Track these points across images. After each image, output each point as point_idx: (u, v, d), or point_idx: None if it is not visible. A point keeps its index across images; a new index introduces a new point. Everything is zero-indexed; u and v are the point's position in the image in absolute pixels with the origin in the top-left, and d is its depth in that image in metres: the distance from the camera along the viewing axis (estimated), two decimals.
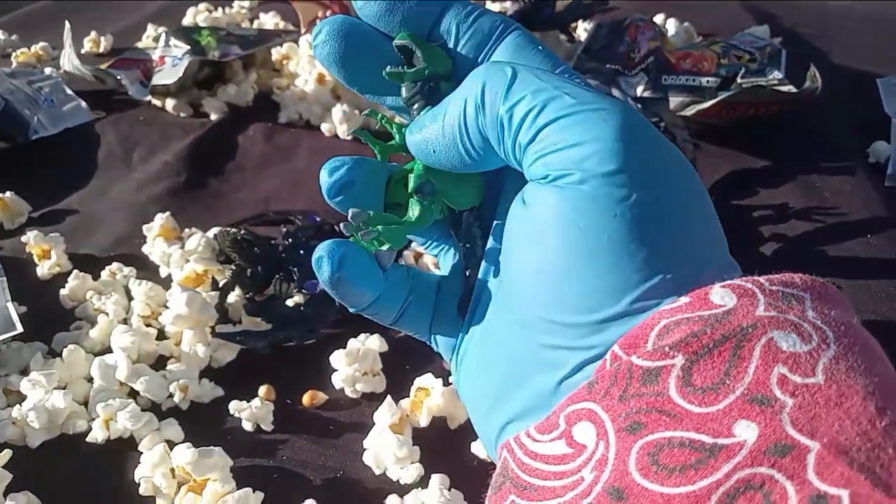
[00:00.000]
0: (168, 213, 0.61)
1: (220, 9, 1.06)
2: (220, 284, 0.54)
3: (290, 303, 0.53)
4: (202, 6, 1.06)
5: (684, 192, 0.20)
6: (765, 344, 0.17)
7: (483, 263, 0.24)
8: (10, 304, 0.51)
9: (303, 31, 0.82)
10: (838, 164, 0.66)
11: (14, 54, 0.93)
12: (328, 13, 0.79)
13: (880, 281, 0.54)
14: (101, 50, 0.94)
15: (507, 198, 0.23)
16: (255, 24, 1.02)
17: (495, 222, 0.24)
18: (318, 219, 0.61)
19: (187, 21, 1.04)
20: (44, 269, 0.58)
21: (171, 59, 0.73)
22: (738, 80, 0.65)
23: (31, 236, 0.59)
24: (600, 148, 0.19)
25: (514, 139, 0.20)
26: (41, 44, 0.95)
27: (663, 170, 0.20)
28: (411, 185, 0.23)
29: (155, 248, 0.59)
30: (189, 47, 0.74)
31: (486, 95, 0.20)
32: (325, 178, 0.24)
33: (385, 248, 0.23)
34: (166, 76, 0.72)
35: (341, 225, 0.23)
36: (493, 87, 0.20)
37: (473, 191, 0.24)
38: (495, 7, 0.99)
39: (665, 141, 0.21)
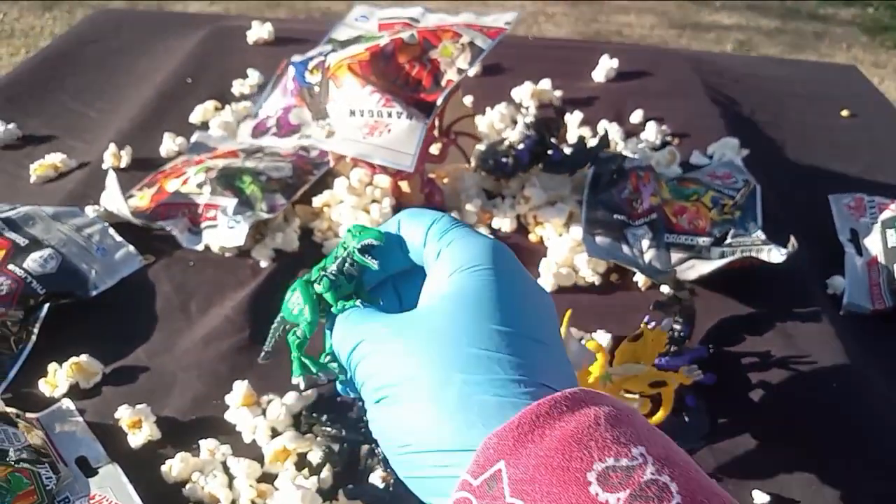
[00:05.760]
0: (246, 381, 0.68)
1: (226, 106, 1.10)
2: (313, 462, 0.63)
3: (377, 478, 0.62)
4: (209, 104, 1.10)
5: None
6: None
7: None
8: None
9: (331, 164, 0.89)
10: (806, 309, 0.79)
11: (32, 167, 0.96)
12: None
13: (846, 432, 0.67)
14: (123, 165, 0.97)
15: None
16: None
17: None
18: None
19: (195, 118, 1.08)
20: (137, 441, 0.65)
21: (224, 219, 0.78)
22: (729, 240, 0.77)
23: (123, 414, 0.66)
24: None
25: None
26: (61, 156, 0.98)
27: None
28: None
29: (239, 417, 0.67)
30: (236, 200, 0.80)
31: None
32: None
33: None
34: (226, 239, 0.77)
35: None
36: None
37: None
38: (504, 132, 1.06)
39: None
